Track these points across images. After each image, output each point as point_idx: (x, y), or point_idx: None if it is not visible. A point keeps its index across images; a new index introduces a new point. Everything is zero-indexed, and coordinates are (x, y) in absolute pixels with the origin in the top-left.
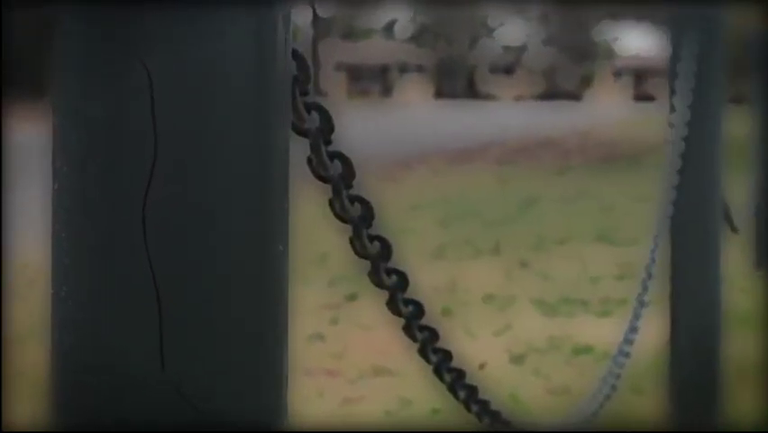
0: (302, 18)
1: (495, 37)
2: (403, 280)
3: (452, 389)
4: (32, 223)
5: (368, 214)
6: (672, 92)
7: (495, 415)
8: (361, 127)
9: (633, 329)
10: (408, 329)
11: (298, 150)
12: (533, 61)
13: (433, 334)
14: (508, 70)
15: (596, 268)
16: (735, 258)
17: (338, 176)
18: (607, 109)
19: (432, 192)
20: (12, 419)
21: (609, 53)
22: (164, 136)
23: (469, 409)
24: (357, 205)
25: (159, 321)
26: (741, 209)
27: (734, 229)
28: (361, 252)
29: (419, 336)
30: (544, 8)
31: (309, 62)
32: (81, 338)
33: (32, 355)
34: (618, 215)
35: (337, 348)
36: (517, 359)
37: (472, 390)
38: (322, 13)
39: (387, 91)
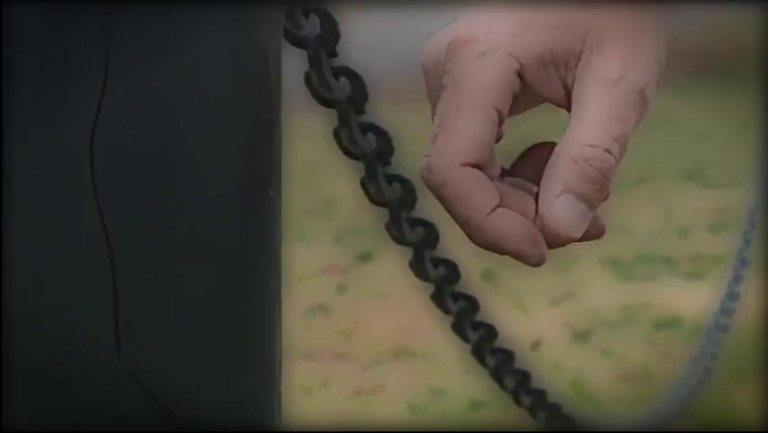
0: None
1: None
2: (432, 234)
3: (497, 375)
4: None
5: (385, 147)
6: None
7: (553, 409)
8: (375, 34)
9: (732, 296)
10: (439, 298)
11: (294, 65)
12: None
13: (471, 304)
14: None
15: (684, 216)
16: None
17: (345, 98)
18: (694, 8)
19: None
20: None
21: None
22: (117, 47)
23: (518, 402)
24: (371, 135)
25: (113, 290)
26: None
27: None
28: (376, 197)
29: (453, 306)
30: None
31: None
32: (13, 310)
33: None
34: (712, 147)
35: (346, 324)
36: (582, 336)
37: (523, 376)
38: None
39: None
